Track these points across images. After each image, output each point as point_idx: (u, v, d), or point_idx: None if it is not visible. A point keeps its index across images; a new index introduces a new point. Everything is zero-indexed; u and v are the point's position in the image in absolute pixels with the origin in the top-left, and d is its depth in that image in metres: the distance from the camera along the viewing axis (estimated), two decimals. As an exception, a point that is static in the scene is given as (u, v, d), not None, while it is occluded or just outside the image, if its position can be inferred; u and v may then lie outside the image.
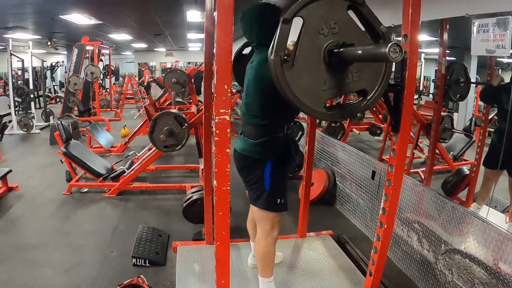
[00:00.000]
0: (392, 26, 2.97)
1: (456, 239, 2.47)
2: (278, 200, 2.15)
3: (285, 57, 1.45)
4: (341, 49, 1.46)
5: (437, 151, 5.34)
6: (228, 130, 1.41)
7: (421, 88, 11.85)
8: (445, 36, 3.56)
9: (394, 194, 1.88)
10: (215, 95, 1.37)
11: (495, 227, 2.20)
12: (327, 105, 1.58)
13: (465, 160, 5.63)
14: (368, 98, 1.59)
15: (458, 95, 4.21)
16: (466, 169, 4.18)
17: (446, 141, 5.18)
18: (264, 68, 1.77)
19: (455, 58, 9.64)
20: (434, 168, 5.43)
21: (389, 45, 1.22)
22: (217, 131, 1.41)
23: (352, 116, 6.03)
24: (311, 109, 1.51)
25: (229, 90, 1.36)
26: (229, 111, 1.38)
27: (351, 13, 1.57)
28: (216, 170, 1.46)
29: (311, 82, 1.49)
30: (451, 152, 5.70)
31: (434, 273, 2.62)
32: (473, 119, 6.17)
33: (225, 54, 1.36)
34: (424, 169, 4.49)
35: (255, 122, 2.08)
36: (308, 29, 1.47)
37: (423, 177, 4.74)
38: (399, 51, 1.22)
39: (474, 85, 5.55)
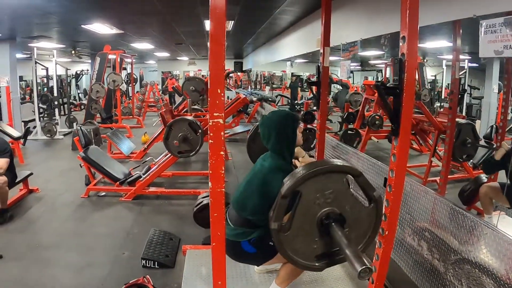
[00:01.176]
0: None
1: (466, 248, 2.42)
2: (271, 243, 2.11)
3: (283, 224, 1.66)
4: (332, 223, 1.64)
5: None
6: (222, 133, 1.44)
7: (443, 96, 11.63)
8: (458, 40, 3.50)
9: (395, 199, 1.86)
10: (209, 99, 1.40)
11: (505, 236, 2.14)
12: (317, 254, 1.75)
13: (486, 169, 5.48)
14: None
15: (465, 155, 4.18)
16: (484, 177, 4.07)
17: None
18: (273, 175, 1.97)
19: (477, 64, 9.46)
20: (454, 176, 5.35)
21: (361, 269, 1.43)
22: (211, 134, 1.44)
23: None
24: (302, 263, 1.70)
25: (222, 94, 1.39)
26: (223, 114, 1.41)
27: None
28: (211, 172, 1.48)
29: (304, 243, 1.67)
30: (471, 160, 5.57)
31: (444, 284, 2.56)
32: (494, 126, 6.02)
33: (217, 61, 1.40)
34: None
35: (243, 214, 2.15)
36: (305, 201, 1.62)
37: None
38: (368, 272, 1.44)
39: (484, 145, 5.51)
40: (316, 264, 1.71)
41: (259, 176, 2.09)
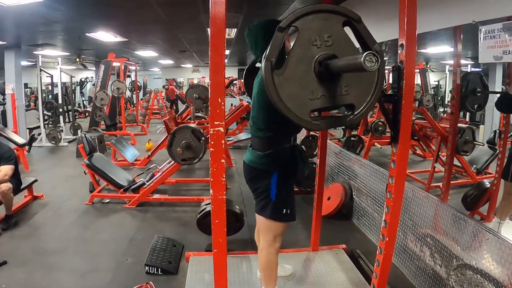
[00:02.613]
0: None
1: (468, 254, 2.42)
2: (284, 210, 2.19)
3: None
4: (329, 61, 1.50)
5: (459, 164, 5.24)
6: (223, 141, 1.46)
7: (446, 102, 11.61)
8: (459, 46, 3.52)
9: (395, 206, 1.87)
10: (209, 108, 1.43)
11: (507, 242, 2.14)
12: (313, 115, 1.61)
13: (490, 173, 5.47)
14: (355, 113, 1.62)
15: (476, 105, 4.14)
16: (487, 182, 4.07)
17: (468, 153, 5.07)
18: None
19: (480, 69, 9.45)
20: (457, 182, 5.33)
21: (364, 54, 1.24)
22: (212, 142, 1.46)
23: (336, 127, 5.57)
24: (296, 115, 1.54)
25: (222, 103, 1.42)
26: (223, 123, 1.44)
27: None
28: (212, 179, 1.51)
29: (299, 90, 1.52)
30: (474, 165, 5.56)
31: (447, 289, 2.56)
32: (498, 130, 6.01)
33: (218, 70, 1.43)
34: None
35: (261, 135, 2.14)
36: (302, 39, 1.52)
37: (443, 191, 4.63)
38: (375, 60, 1.24)
39: (493, 94, 5.38)
40: (311, 120, 1.58)
41: (257, 90, 2.07)
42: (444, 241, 2.66)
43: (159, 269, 3.04)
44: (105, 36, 7.39)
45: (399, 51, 1.72)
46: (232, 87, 14.67)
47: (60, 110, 9.64)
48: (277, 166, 2.14)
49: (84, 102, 17.30)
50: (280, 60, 1.51)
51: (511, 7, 2.18)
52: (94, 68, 15.35)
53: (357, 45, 1.65)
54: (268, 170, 2.15)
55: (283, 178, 2.16)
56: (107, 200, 4.87)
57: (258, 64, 2.65)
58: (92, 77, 16.56)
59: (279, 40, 1.49)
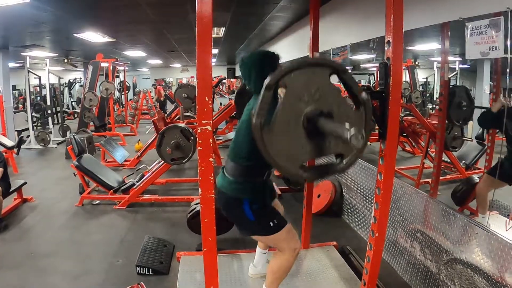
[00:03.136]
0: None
1: (457, 248, 2.44)
2: (271, 223, 2.15)
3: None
4: (317, 118, 1.50)
5: (448, 160, 5.29)
6: (210, 140, 1.46)
7: (435, 98, 11.69)
8: (447, 42, 3.55)
9: (384, 202, 1.88)
10: (197, 107, 1.42)
11: (496, 235, 2.16)
12: (304, 165, 1.61)
13: (478, 169, 5.52)
14: (344, 161, 1.62)
15: (462, 119, 4.20)
16: (476, 178, 4.11)
17: (456, 149, 5.11)
18: None
19: (468, 65, 9.54)
20: (446, 177, 5.38)
21: (352, 132, 1.26)
22: (200, 141, 1.46)
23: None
24: (287, 170, 1.56)
25: (210, 102, 1.42)
26: (211, 121, 1.43)
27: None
28: (200, 178, 1.50)
29: (289, 145, 1.53)
30: (463, 161, 5.61)
31: (437, 284, 2.59)
32: (486, 126, 6.07)
33: (205, 69, 1.42)
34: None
35: (239, 161, 2.11)
36: (290, 96, 1.51)
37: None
38: (360, 138, 1.26)
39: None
40: (302, 172, 1.59)
41: (247, 119, 2.05)
42: (434, 236, 2.68)
43: (150, 269, 3.04)
44: (93, 36, 7.32)
45: (385, 48, 1.73)
46: (221, 86, 14.65)
47: (49, 111, 9.55)
48: (245, 195, 2.12)
49: (73, 103, 17.09)
50: (271, 110, 1.50)
51: (497, 4, 2.20)
52: (82, 69, 15.20)
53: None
54: (238, 197, 2.12)
55: (254, 202, 2.13)
56: (97, 202, 4.83)
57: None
58: (80, 78, 16.40)
59: (267, 98, 1.47)
